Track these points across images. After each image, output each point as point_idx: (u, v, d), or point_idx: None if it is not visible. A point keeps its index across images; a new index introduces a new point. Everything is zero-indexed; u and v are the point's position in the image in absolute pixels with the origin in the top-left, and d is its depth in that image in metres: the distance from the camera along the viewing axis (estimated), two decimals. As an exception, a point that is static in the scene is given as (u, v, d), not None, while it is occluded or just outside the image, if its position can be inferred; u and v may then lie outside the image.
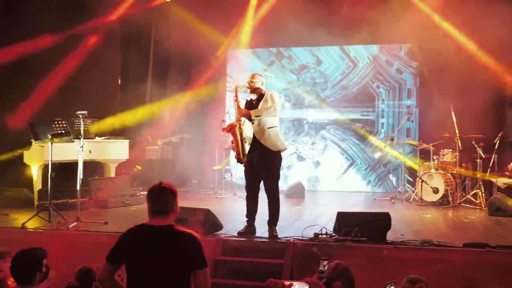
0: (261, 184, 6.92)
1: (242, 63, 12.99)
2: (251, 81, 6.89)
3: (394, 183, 11.85)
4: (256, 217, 6.96)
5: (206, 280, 3.53)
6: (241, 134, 6.75)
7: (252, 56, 13.09)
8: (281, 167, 6.99)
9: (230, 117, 11.40)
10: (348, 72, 12.63)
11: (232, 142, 6.85)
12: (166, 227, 3.54)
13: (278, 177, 6.94)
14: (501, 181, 9.80)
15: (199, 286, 3.51)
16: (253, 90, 6.90)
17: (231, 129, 6.79)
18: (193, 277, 3.52)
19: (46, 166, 8.65)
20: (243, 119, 6.82)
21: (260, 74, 7.14)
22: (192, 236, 3.55)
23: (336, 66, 12.70)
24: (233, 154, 11.81)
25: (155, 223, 3.56)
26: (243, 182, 7.50)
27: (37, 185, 9.14)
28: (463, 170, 9.97)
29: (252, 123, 6.75)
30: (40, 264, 3.79)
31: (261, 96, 6.89)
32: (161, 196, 3.59)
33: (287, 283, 2.88)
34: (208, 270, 3.56)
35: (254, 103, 6.89)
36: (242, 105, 6.92)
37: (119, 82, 12.13)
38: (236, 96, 6.84)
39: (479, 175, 9.66)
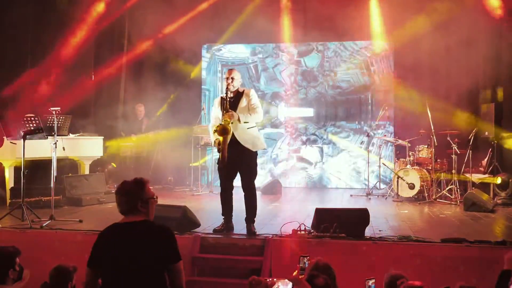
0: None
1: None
2: (233, 78, 6.68)
3: (370, 180, 11.84)
4: (234, 214, 6.90)
5: (181, 274, 3.48)
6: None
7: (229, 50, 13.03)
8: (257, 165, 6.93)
9: (205, 113, 11.35)
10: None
11: (219, 144, 6.56)
12: (139, 223, 3.51)
13: (255, 175, 6.89)
14: (475, 176, 9.91)
15: (174, 280, 3.45)
16: (234, 87, 6.70)
17: (225, 133, 6.50)
18: (167, 272, 3.45)
19: (18, 164, 8.48)
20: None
21: (235, 69, 6.99)
22: (165, 229, 3.52)
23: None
24: (209, 151, 11.88)
25: (127, 220, 3.54)
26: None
27: (9, 183, 8.93)
28: (438, 170, 10.03)
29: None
30: (13, 262, 3.69)
31: (238, 93, 6.76)
32: (124, 196, 3.56)
33: (269, 280, 2.82)
34: (182, 263, 3.50)
35: (232, 100, 6.71)
36: (217, 104, 6.79)
37: (93, 78, 11.95)
38: (222, 105, 6.63)
39: (455, 177, 9.73)
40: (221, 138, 6.49)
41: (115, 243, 3.47)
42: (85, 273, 3.54)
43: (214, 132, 6.62)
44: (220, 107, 6.72)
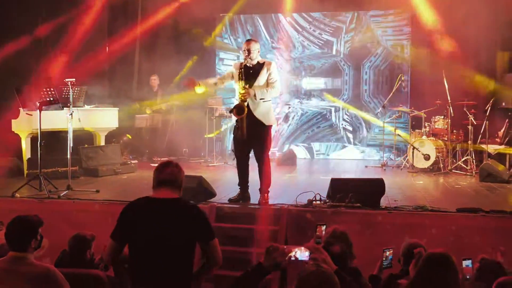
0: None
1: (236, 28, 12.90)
2: (249, 50, 6.55)
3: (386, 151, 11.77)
4: (250, 185, 6.92)
5: (217, 251, 3.51)
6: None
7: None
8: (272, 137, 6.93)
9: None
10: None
11: (237, 121, 6.58)
12: (172, 200, 3.47)
13: (269, 147, 6.88)
14: (491, 147, 9.83)
15: (211, 257, 3.48)
16: (252, 60, 6.60)
17: (242, 113, 6.48)
18: (203, 250, 3.47)
19: (34, 135, 8.56)
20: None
21: (255, 40, 6.91)
22: (197, 209, 3.51)
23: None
24: (224, 122, 11.88)
25: (160, 195, 3.49)
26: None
27: (26, 154, 9.02)
28: (454, 141, 9.95)
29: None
30: (36, 232, 3.73)
31: (258, 65, 6.66)
32: (166, 168, 3.57)
33: (287, 247, 2.84)
34: (217, 240, 3.52)
35: (251, 72, 6.61)
36: (236, 69, 6.68)
37: (107, 50, 11.95)
38: (240, 73, 6.55)
39: (470, 147, 9.65)
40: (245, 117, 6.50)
41: (147, 218, 3.42)
42: (108, 246, 3.52)
43: (230, 112, 6.64)
44: (238, 73, 6.62)
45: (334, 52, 12.52)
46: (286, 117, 12.81)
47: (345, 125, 12.55)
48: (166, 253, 3.36)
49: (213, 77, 6.87)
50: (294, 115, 12.80)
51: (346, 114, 12.56)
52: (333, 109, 12.63)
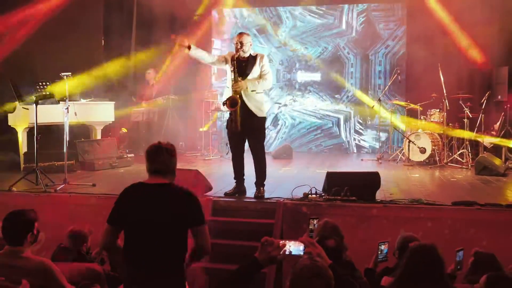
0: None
1: (228, 23, 12.82)
2: (242, 43, 6.57)
3: (380, 144, 11.77)
4: (246, 178, 6.93)
5: (206, 237, 3.53)
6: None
7: (239, 16, 12.86)
8: (265, 129, 6.95)
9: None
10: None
11: (231, 114, 6.61)
12: (164, 185, 3.54)
13: (263, 139, 6.91)
14: (487, 140, 9.86)
15: (199, 243, 3.51)
16: (244, 52, 6.61)
17: (235, 105, 6.51)
18: (192, 235, 3.50)
19: (31, 129, 8.55)
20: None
21: (247, 33, 6.91)
22: (190, 194, 3.55)
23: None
24: (219, 115, 11.87)
25: (153, 181, 3.56)
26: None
27: (23, 147, 9.02)
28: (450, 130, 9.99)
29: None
30: (32, 226, 3.75)
31: (251, 57, 6.68)
32: (156, 156, 3.61)
33: (282, 242, 2.85)
34: (207, 227, 3.56)
35: (244, 65, 6.64)
36: (229, 57, 6.68)
37: (103, 43, 11.91)
38: (234, 67, 6.56)
39: (466, 134, 9.69)
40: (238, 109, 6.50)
41: (140, 202, 3.50)
42: (104, 231, 3.55)
43: (223, 104, 6.66)
44: (230, 64, 6.63)
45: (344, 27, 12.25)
46: (276, 120, 12.59)
47: (358, 140, 12.32)
48: (159, 238, 3.43)
49: (209, 52, 6.81)
50: (284, 124, 12.57)
51: (359, 121, 12.34)
52: (341, 117, 12.37)
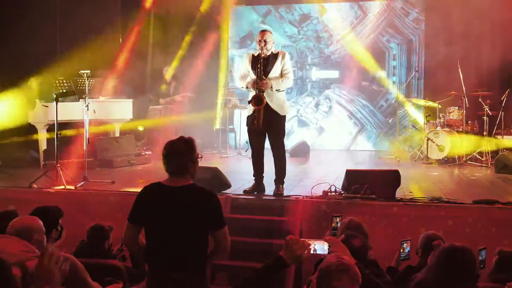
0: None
1: (236, 15, 12.83)
2: (266, 41, 6.53)
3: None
4: (265, 176, 6.92)
5: (226, 239, 3.53)
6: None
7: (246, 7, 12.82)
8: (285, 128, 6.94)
9: (233, 75, 11.28)
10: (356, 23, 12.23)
11: (254, 112, 6.56)
12: (184, 187, 3.51)
13: (283, 136, 6.89)
14: (507, 138, 9.75)
15: (219, 245, 3.51)
16: (268, 50, 6.57)
17: (261, 103, 6.45)
18: (212, 236, 3.50)
19: (51, 126, 8.61)
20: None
21: (269, 31, 6.88)
22: (211, 195, 3.53)
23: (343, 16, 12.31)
24: (237, 112, 11.87)
25: (173, 183, 3.53)
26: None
27: (43, 145, 9.09)
28: (469, 132, 9.86)
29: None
30: (56, 223, 3.78)
31: (273, 55, 6.64)
32: (172, 158, 3.55)
33: (306, 241, 2.83)
34: (226, 229, 3.55)
35: (266, 63, 6.59)
36: (248, 62, 6.69)
37: (120, 41, 11.96)
38: (259, 64, 6.51)
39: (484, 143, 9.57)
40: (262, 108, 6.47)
41: (160, 205, 3.49)
42: (125, 227, 3.57)
43: (248, 102, 6.63)
44: (250, 66, 6.63)
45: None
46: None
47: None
48: (179, 237, 3.44)
49: (242, 81, 6.82)
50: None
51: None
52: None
